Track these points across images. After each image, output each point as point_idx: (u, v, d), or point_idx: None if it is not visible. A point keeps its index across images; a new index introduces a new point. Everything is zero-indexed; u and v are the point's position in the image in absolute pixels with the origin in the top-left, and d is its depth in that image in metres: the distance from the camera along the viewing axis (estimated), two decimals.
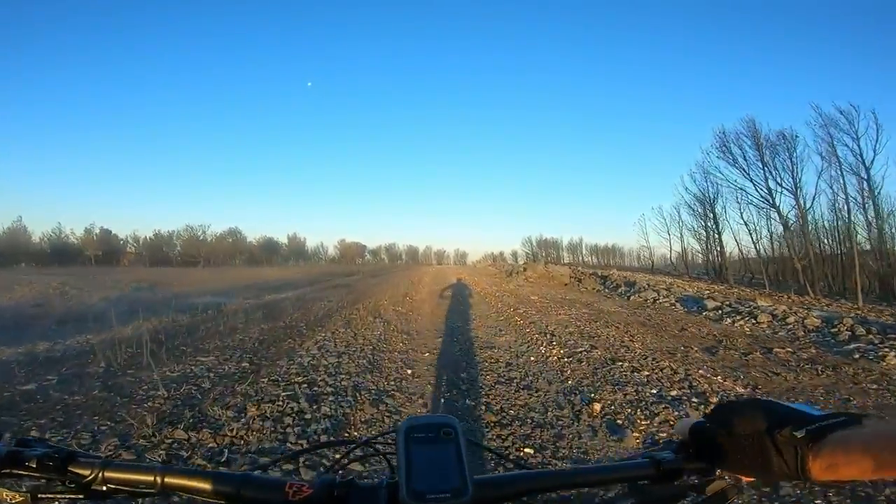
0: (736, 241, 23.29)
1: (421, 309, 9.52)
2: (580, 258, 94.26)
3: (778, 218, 18.87)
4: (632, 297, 12.71)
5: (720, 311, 9.29)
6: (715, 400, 3.69)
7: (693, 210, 25.28)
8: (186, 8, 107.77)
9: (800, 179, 17.98)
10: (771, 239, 22.00)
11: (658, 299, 12.08)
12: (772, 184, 18.54)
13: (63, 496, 0.49)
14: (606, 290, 15.29)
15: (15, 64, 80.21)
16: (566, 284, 18.33)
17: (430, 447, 0.49)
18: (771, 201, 18.57)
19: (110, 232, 65.71)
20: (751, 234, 21.41)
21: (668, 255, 33.28)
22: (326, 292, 13.01)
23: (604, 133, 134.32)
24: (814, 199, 18.02)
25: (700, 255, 29.60)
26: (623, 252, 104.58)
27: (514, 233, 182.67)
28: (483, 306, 10.03)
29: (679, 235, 30.49)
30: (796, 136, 18.13)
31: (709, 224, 24.58)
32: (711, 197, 23.30)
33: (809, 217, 18.21)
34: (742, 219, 21.70)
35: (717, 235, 23.36)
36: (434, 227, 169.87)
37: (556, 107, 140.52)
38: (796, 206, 18.01)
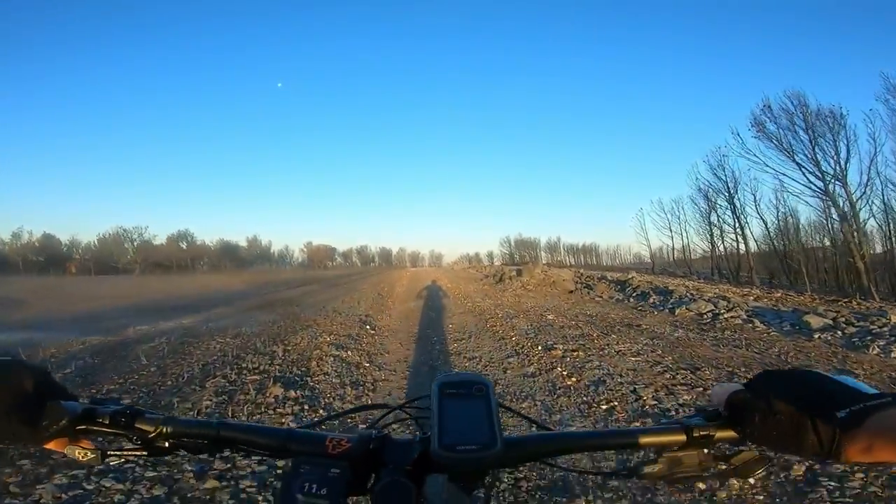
0: (743, 236, 20.36)
1: (385, 357, 5.41)
2: (561, 258, 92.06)
3: (832, 207, 15.62)
4: (678, 311, 9.07)
5: (842, 334, 5.91)
6: None
7: (709, 201, 22.17)
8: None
9: (847, 164, 14.95)
10: (797, 233, 19.12)
11: (720, 313, 8.47)
12: (826, 167, 15.32)
13: (129, 453, 0.52)
14: (632, 301, 11.61)
15: None
16: (571, 292, 14.72)
17: (463, 402, 0.50)
18: (823, 188, 15.36)
19: (53, 237, 58.95)
20: (768, 227, 18.44)
21: (665, 253, 30.47)
22: (244, 316, 8.89)
23: (580, 131, 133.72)
24: (866, 187, 14.97)
25: (701, 252, 26.78)
26: (600, 251, 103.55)
27: (489, 233, 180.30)
28: (493, 344, 6.01)
29: (681, 231, 27.61)
30: (845, 115, 15.10)
31: (721, 217, 21.57)
32: (731, 186, 20.23)
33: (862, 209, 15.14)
34: (757, 211, 18.75)
35: (739, 229, 20.20)
36: (407, 228, 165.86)
37: (530, 105, 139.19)
38: (846, 196, 14.93)
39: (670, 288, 12.68)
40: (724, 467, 0.51)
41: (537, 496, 2.13)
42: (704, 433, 0.50)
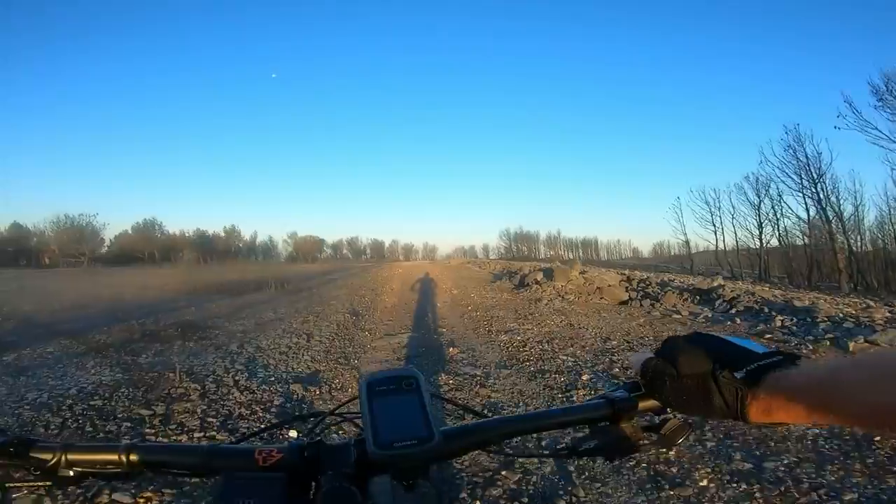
0: (829, 231, 16.13)
1: None
2: (561, 252, 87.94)
3: None
4: (852, 346, 4.74)
5: None
6: None
7: (759, 191, 17.81)
8: None
9: None
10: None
11: None
12: None
13: (31, 483, 0.49)
14: (741, 322, 7.25)
15: None
16: (624, 303, 10.41)
17: (393, 399, 0.49)
18: None
19: (22, 226, 53.27)
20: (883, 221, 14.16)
21: (681, 248, 26.30)
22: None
23: (578, 123, 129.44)
24: None
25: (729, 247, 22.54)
26: (600, 245, 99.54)
27: (482, 226, 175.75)
28: None
29: (720, 224, 23.36)
30: None
31: (781, 207, 17.28)
32: (813, 171, 15.85)
33: None
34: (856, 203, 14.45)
35: (825, 222, 15.78)
36: (401, 220, 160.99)
37: (528, 95, 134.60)
38: None
39: (795, 304, 8.30)
40: (652, 437, 0.52)
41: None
42: (629, 405, 0.52)
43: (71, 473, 0.48)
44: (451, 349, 5.31)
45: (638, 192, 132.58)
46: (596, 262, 66.73)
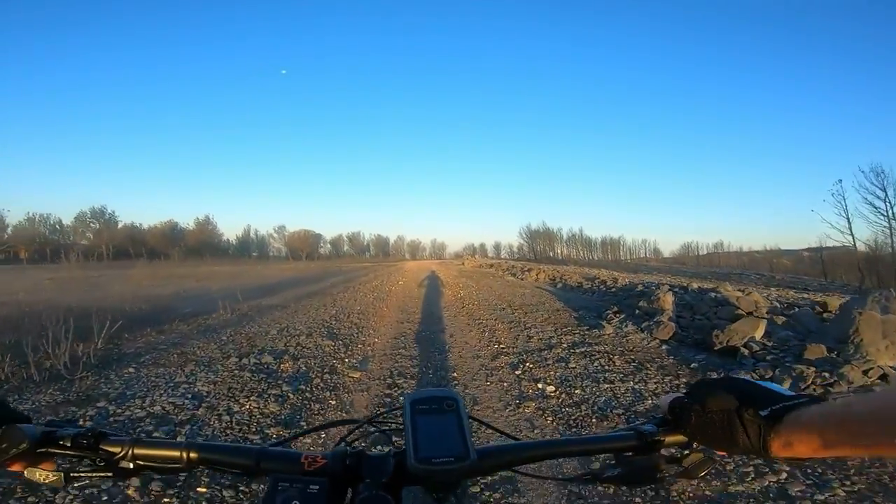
0: None
1: None
2: (580, 253, 78.71)
3: None
4: None
5: None
6: None
7: None
8: None
9: None
10: None
11: None
12: None
13: (94, 474, 0.51)
14: None
15: None
16: None
17: (435, 418, 0.51)
18: None
19: None
20: None
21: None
22: None
23: (596, 120, 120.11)
24: None
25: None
26: (626, 245, 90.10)
27: (496, 222, 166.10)
28: None
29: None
30: None
31: None
32: None
33: None
34: None
35: None
36: (407, 215, 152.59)
37: (545, 89, 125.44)
38: None
39: None
40: (675, 469, 0.54)
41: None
42: (655, 437, 0.54)
43: (131, 466, 0.50)
44: None
45: (664, 192, 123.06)
46: (613, 264, 57.66)
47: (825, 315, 7.31)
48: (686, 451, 0.54)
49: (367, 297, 11.22)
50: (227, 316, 8.00)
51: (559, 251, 75.51)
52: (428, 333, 6.73)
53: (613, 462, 0.55)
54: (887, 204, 16.80)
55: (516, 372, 4.80)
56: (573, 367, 4.98)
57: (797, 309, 7.37)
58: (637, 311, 7.41)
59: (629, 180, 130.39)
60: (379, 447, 0.54)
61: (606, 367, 5.01)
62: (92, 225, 48.20)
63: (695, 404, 0.51)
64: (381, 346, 5.99)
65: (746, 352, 5.17)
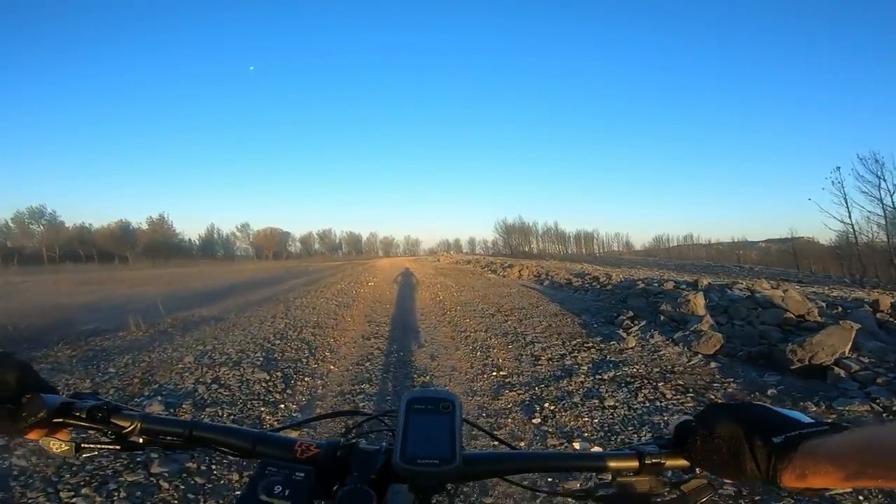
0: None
1: None
2: (556, 247, 78.35)
3: None
4: None
5: None
6: None
7: None
8: None
9: None
10: None
11: None
12: None
13: (103, 446, 0.52)
14: None
15: None
16: None
17: (429, 417, 0.50)
18: None
19: None
20: None
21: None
22: None
23: (571, 115, 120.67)
24: None
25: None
26: (599, 239, 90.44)
27: (470, 218, 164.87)
28: None
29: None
30: None
31: None
32: None
33: None
34: None
35: None
36: (380, 211, 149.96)
37: (516, 84, 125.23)
38: None
39: None
40: (674, 494, 0.51)
41: None
42: (656, 460, 0.51)
43: (140, 441, 0.52)
44: None
45: (638, 186, 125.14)
46: (589, 259, 57.53)
47: (878, 316, 6.13)
48: (687, 476, 0.51)
49: (328, 303, 9.46)
50: (137, 334, 6.13)
51: (535, 246, 74.87)
52: (402, 354, 5.11)
53: (609, 481, 0.52)
54: (881, 192, 16.26)
55: (534, 420, 3.26)
56: (612, 406, 3.48)
57: (845, 310, 6.15)
58: (661, 318, 6.01)
59: (602, 174, 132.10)
60: (383, 444, 0.51)
61: (656, 403, 3.54)
62: (31, 226, 43.85)
63: (700, 428, 0.49)
64: (336, 377, 4.34)
65: (842, 372, 3.81)
